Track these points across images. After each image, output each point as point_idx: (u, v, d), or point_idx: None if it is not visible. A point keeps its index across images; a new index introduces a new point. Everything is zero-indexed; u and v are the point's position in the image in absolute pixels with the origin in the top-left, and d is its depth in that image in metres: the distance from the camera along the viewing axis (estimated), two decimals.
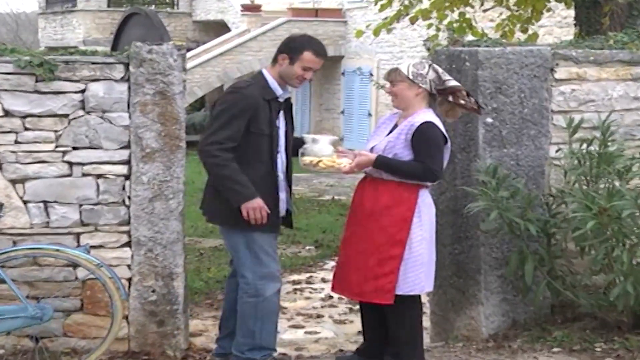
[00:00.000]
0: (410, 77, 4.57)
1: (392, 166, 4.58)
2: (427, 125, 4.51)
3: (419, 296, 4.71)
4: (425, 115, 4.57)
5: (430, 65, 4.61)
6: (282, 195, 4.76)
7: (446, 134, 4.59)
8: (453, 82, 4.62)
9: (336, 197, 13.07)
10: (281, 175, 4.73)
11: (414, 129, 4.51)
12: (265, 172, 4.65)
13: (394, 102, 4.71)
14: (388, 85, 4.72)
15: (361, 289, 4.62)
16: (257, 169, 4.62)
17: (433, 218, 4.68)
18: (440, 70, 4.62)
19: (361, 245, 4.64)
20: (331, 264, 8.24)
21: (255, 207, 4.54)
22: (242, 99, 4.60)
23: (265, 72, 4.75)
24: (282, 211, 4.78)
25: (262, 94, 4.64)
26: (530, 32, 9.16)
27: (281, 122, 4.74)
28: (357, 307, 6.62)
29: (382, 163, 4.58)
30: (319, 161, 4.69)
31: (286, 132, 4.77)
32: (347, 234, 4.79)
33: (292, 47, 4.69)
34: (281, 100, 4.73)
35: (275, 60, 4.73)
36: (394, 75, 4.64)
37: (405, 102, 4.64)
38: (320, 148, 4.73)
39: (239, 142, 4.56)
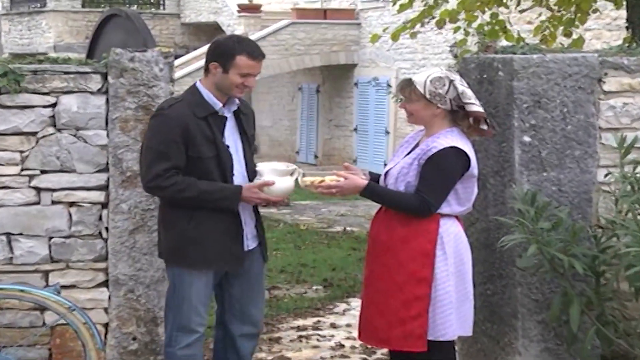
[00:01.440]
0: (428, 97, 4.61)
1: (381, 196, 4.69)
2: (446, 152, 4.54)
3: (452, 342, 4.73)
4: (448, 138, 4.59)
5: (451, 82, 4.64)
6: (246, 225, 4.81)
7: (472, 159, 4.61)
8: (475, 107, 4.65)
9: (348, 229, 13.06)
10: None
11: (430, 154, 4.55)
12: None
13: (410, 119, 4.76)
14: (402, 98, 4.75)
15: (388, 336, 4.66)
16: None
17: (463, 250, 4.70)
18: (461, 89, 4.65)
19: (381, 285, 4.68)
20: (342, 306, 8.23)
21: (253, 198, 4.66)
22: (165, 121, 4.60)
23: (199, 85, 4.75)
24: (247, 245, 4.83)
25: (195, 111, 4.64)
26: (574, 36, 9.18)
27: (232, 140, 4.76)
28: (373, 357, 6.62)
29: (369, 192, 4.64)
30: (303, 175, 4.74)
31: (244, 150, 4.81)
32: (366, 272, 4.83)
33: (221, 53, 4.69)
34: (224, 114, 4.75)
35: (207, 70, 4.75)
36: (408, 92, 4.68)
37: (423, 121, 4.70)
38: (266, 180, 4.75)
39: (182, 169, 4.61)
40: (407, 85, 4.69)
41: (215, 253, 4.70)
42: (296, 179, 4.77)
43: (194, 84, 4.78)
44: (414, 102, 4.67)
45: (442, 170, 4.56)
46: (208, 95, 4.70)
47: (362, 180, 4.68)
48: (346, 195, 4.76)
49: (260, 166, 4.74)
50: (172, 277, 4.78)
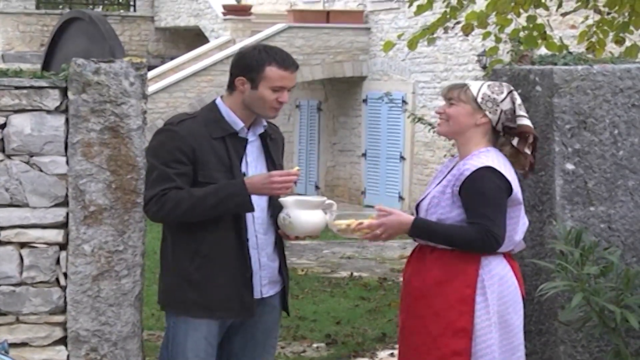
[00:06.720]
0: (479, 100, 4.65)
1: (436, 232, 4.66)
2: (481, 174, 4.56)
3: None
4: (482, 158, 4.62)
5: (510, 92, 4.70)
6: (262, 268, 4.84)
7: (513, 182, 4.62)
8: (525, 121, 4.70)
9: (356, 274, 13.03)
10: (255, 239, 4.81)
11: (464, 179, 4.57)
12: (224, 237, 4.76)
13: (442, 126, 4.77)
14: (442, 104, 4.77)
15: None
16: (213, 232, 4.74)
17: (510, 295, 4.71)
18: (519, 101, 4.70)
19: (416, 339, 4.74)
20: None
21: (264, 185, 4.67)
22: (172, 138, 4.72)
23: (219, 102, 4.86)
24: (259, 292, 4.85)
25: (210, 130, 4.74)
26: (627, 43, 9.20)
27: (254, 167, 4.83)
28: None
29: (420, 229, 4.64)
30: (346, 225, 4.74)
31: None
32: (400, 324, 4.88)
33: (246, 66, 4.77)
34: (246, 136, 4.82)
35: (231, 87, 4.84)
36: (457, 92, 4.70)
37: (458, 130, 4.71)
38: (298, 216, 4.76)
39: None
40: (458, 87, 4.74)
41: (219, 299, 4.75)
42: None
43: (213, 101, 4.88)
44: (458, 104, 4.70)
45: (485, 191, 4.58)
46: (228, 113, 4.80)
47: (408, 216, 4.69)
48: (392, 236, 4.75)
49: (284, 198, 4.78)
50: (167, 327, 4.86)
